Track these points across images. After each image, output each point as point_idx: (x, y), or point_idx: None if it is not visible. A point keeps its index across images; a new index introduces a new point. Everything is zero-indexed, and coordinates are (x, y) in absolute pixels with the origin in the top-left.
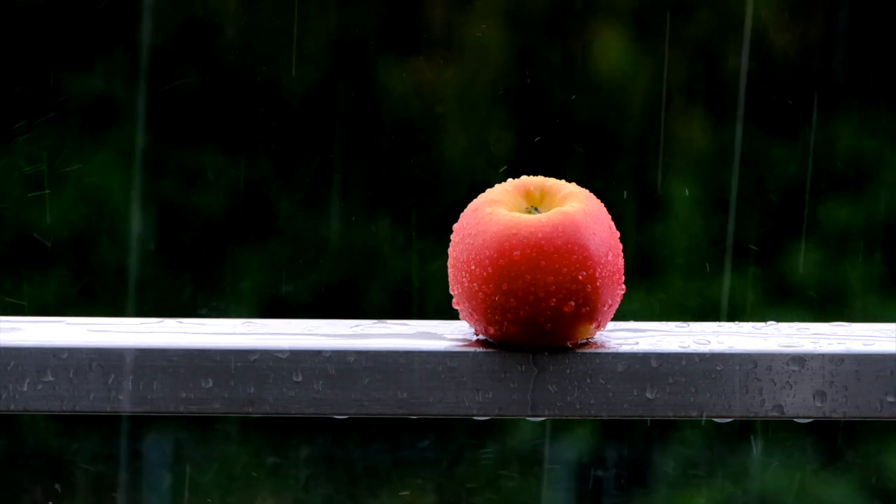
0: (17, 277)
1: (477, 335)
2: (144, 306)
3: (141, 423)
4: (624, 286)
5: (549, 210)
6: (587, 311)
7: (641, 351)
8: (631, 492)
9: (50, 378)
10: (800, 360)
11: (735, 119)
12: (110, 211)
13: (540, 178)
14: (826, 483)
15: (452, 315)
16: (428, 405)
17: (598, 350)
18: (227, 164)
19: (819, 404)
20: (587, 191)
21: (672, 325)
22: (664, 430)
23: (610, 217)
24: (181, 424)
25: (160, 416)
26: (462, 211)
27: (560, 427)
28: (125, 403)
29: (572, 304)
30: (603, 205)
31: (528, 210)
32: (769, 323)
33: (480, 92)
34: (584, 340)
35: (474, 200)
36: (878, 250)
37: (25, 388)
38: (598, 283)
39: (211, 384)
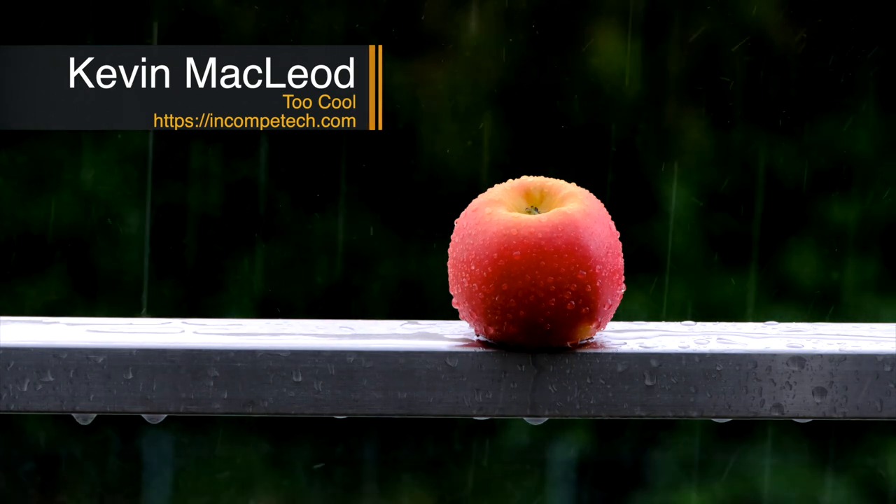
0: (15, 278)
1: (477, 335)
2: (143, 306)
3: (141, 423)
4: (624, 286)
5: (548, 210)
6: (587, 311)
7: (641, 351)
8: (630, 492)
9: (50, 378)
10: (800, 360)
11: (735, 118)
12: (109, 211)
13: (540, 178)
14: (825, 484)
15: (452, 315)
16: (428, 405)
17: (598, 350)
18: (226, 164)
19: (819, 404)
20: (587, 191)
21: (672, 325)
22: (663, 429)
23: (610, 217)
24: (181, 424)
25: (160, 415)
26: (461, 211)
27: (559, 427)
28: (125, 403)
29: (572, 304)
30: (603, 205)
31: (528, 210)
32: (769, 323)
33: (479, 91)
34: (584, 340)
35: (474, 200)
36: (878, 250)
37: (25, 388)
38: (598, 283)
39: (211, 384)
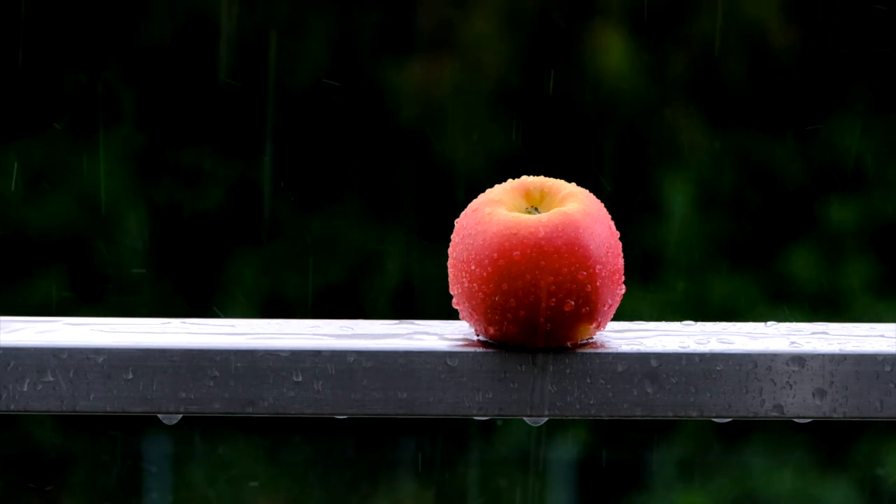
0: (14, 278)
1: (477, 335)
2: (142, 306)
3: (141, 423)
4: (624, 286)
5: (548, 210)
6: (587, 311)
7: (641, 351)
8: (630, 492)
9: (50, 378)
10: (800, 360)
11: (735, 119)
12: (108, 211)
13: (540, 178)
14: (825, 484)
15: (452, 315)
16: (428, 405)
17: (598, 350)
18: (225, 165)
19: (819, 404)
20: (587, 191)
21: (672, 325)
22: (663, 430)
23: (610, 217)
24: (181, 424)
25: (160, 415)
26: (462, 211)
27: (559, 427)
28: (125, 403)
29: (572, 303)
30: (603, 205)
31: (528, 210)
32: (769, 323)
33: (480, 91)
34: (584, 340)
35: (474, 200)
36: (878, 250)
37: (25, 388)
38: (597, 283)
39: (211, 384)
